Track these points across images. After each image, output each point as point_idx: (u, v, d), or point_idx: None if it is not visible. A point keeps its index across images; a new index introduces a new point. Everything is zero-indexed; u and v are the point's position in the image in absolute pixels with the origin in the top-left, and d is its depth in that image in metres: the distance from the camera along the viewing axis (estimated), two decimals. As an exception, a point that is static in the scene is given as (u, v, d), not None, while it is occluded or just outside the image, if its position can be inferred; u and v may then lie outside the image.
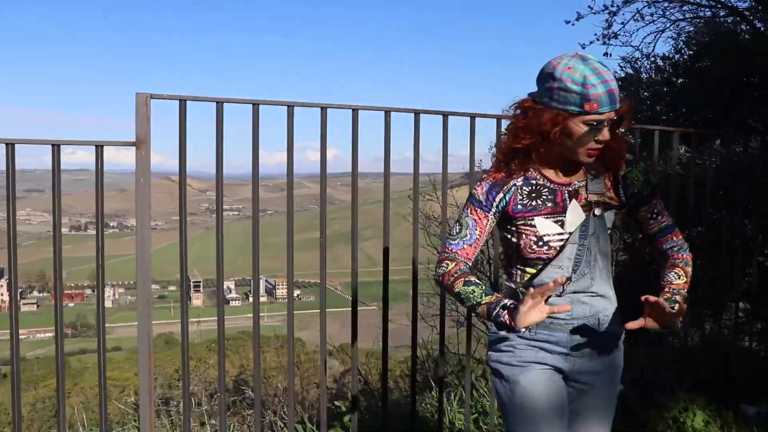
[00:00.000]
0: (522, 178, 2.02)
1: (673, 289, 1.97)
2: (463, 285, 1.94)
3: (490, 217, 2.02)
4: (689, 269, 2.05)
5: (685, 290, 1.99)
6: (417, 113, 3.37)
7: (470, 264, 2.02)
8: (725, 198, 4.99)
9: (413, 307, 3.64)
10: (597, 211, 2.00)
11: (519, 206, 2.00)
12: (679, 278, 2.01)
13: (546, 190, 2.01)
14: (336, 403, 4.44)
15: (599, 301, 2.05)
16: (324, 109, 3.17)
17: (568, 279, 1.99)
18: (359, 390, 3.95)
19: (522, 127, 1.97)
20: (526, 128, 1.96)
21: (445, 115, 3.46)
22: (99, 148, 2.81)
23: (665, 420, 3.97)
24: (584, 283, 2.01)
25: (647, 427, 3.92)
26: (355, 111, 3.22)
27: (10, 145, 2.62)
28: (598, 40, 8.93)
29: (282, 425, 4.21)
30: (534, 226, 1.98)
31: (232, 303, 76.41)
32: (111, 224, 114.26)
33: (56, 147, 2.75)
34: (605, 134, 1.88)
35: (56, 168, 2.75)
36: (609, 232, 2.04)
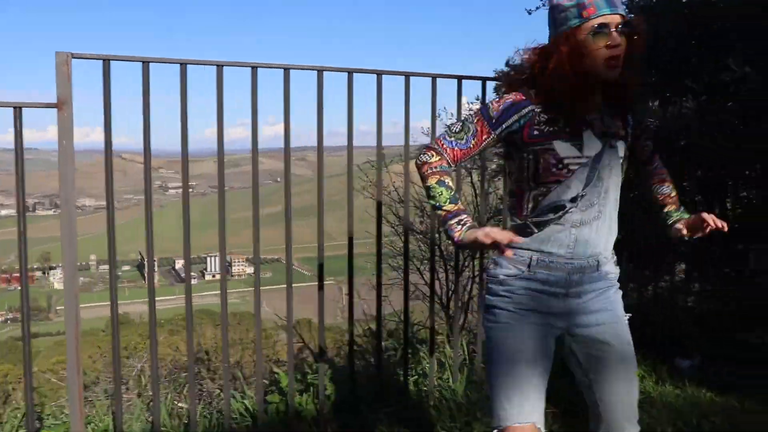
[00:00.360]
0: (539, 108, 1.96)
1: (674, 200, 2.24)
2: (437, 183, 1.92)
3: (493, 135, 1.98)
4: (671, 180, 2.27)
5: (676, 197, 2.26)
6: (351, 72, 3.31)
7: (453, 166, 1.99)
8: (665, 157, 5.02)
9: (378, 278, 3.74)
10: (612, 141, 1.98)
11: (536, 131, 1.95)
12: (671, 190, 2.24)
13: (560, 118, 1.96)
14: (275, 369, 4.40)
15: (602, 239, 2.01)
16: (254, 69, 3.08)
17: (577, 202, 1.94)
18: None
19: (541, 54, 1.97)
20: (542, 54, 1.97)
21: (379, 74, 3.41)
22: (17, 109, 2.67)
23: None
24: (591, 214, 1.97)
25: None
26: (286, 70, 3.13)
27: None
28: (544, 5, 8.95)
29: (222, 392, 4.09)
30: (553, 150, 1.93)
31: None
32: (58, 203, 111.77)
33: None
34: (614, 38, 1.83)
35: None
36: (622, 162, 2.03)
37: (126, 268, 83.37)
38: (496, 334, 2.05)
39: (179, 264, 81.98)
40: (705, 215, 2.01)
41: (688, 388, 3.92)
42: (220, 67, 3.02)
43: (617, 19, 1.84)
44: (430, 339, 4.01)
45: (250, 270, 73.81)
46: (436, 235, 7.44)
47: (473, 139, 1.97)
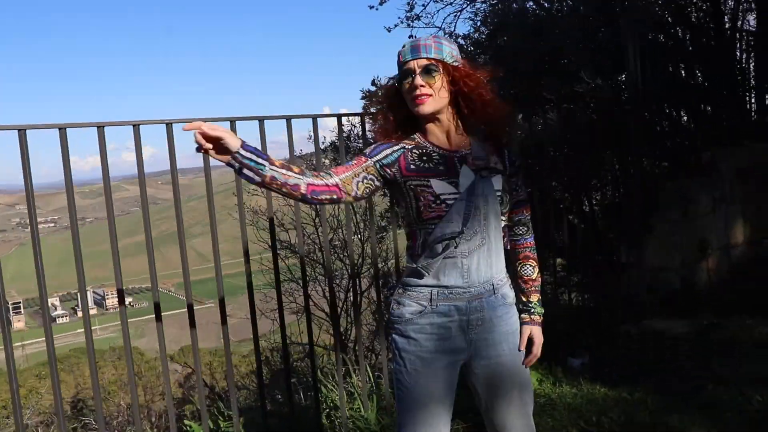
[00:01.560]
0: (412, 144, 2.13)
1: (537, 288, 2.28)
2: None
3: (369, 162, 2.10)
4: (535, 254, 2.27)
5: (539, 280, 2.28)
6: (232, 121, 3.31)
7: (336, 174, 2.06)
8: (535, 166, 5.33)
9: (250, 303, 3.60)
10: (484, 173, 2.09)
11: (412, 166, 2.08)
12: (534, 271, 2.26)
13: (436, 155, 2.10)
14: (184, 412, 4.32)
15: (492, 264, 2.11)
16: (137, 126, 3.04)
17: (460, 233, 2.04)
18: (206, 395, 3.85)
19: (384, 102, 2.21)
20: (384, 103, 2.20)
21: (261, 120, 3.43)
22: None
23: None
24: (476, 242, 2.06)
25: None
26: (168, 125, 3.11)
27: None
28: (402, 23, 9.21)
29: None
30: (431, 187, 2.05)
31: (59, 320, 71.51)
32: None
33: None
34: (417, 81, 2.04)
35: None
36: (498, 194, 2.10)
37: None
38: (406, 379, 2.13)
39: (50, 302, 77.44)
40: (536, 349, 2.23)
41: (583, 386, 4.18)
42: (100, 128, 2.95)
43: (421, 62, 2.05)
44: (337, 370, 4.07)
45: (127, 299, 70.58)
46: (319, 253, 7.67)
47: (353, 161, 2.11)
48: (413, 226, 2.12)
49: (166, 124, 3.12)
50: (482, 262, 2.09)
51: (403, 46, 2.11)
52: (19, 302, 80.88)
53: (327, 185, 2.02)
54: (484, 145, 2.15)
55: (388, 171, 2.10)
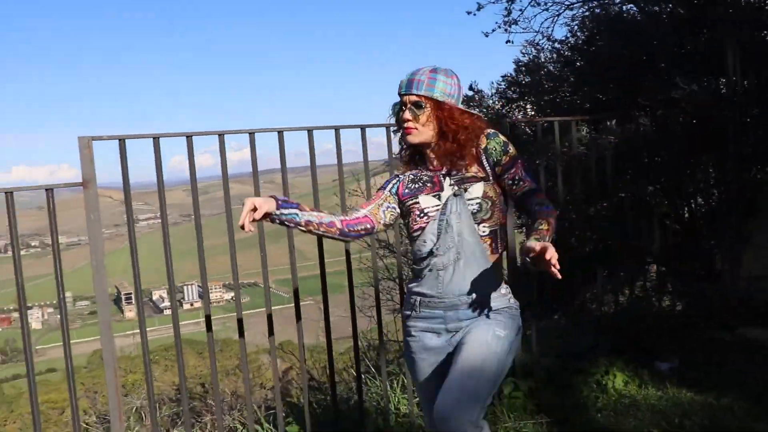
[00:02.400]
0: (411, 173, 2.46)
1: (540, 232, 2.11)
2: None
3: (385, 193, 2.48)
4: (552, 219, 2.17)
5: (549, 234, 2.11)
6: (280, 132, 3.56)
7: (361, 208, 2.44)
8: (629, 171, 5.35)
9: (351, 299, 3.88)
10: (455, 191, 2.30)
11: (406, 190, 2.42)
12: (542, 225, 2.14)
13: (425, 176, 2.39)
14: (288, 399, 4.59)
15: (474, 279, 2.27)
16: (221, 136, 3.37)
17: (432, 251, 2.28)
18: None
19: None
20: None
21: (310, 131, 3.61)
22: (50, 191, 2.92)
23: (589, 384, 4.31)
24: (450, 257, 2.26)
25: (572, 392, 4.24)
26: (251, 134, 3.46)
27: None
28: (500, 27, 9.29)
29: (240, 427, 4.22)
30: (419, 203, 2.35)
31: (166, 312, 74.95)
32: (32, 243, 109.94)
33: (9, 194, 2.85)
34: (405, 115, 2.32)
35: (12, 215, 2.87)
36: (474, 204, 2.27)
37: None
38: (408, 365, 2.56)
39: (156, 295, 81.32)
40: (550, 252, 1.95)
41: (669, 389, 4.22)
42: (221, 135, 3.29)
43: (412, 98, 2.30)
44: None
45: (227, 296, 73.47)
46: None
47: (374, 196, 2.51)
48: (409, 239, 2.43)
49: (249, 133, 3.47)
50: (457, 275, 2.28)
51: (403, 79, 2.35)
52: (131, 293, 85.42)
53: (359, 218, 2.38)
54: (457, 167, 2.35)
55: (395, 198, 2.45)
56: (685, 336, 4.91)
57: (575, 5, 8.35)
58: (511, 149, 2.33)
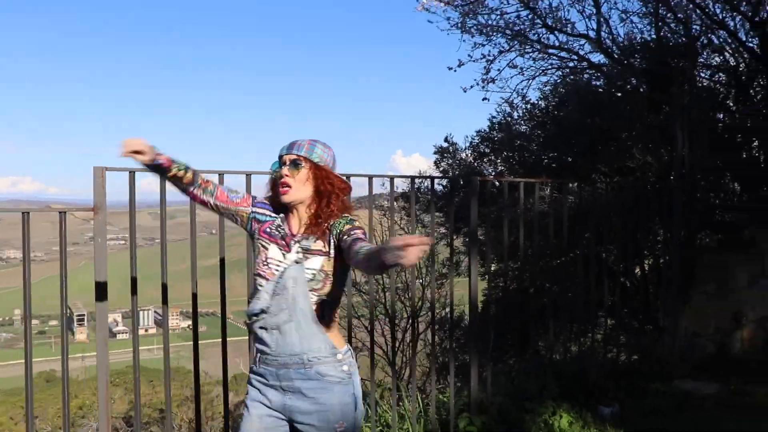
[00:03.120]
0: (280, 218, 2.53)
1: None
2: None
3: (247, 207, 2.57)
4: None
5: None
6: None
7: (211, 193, 2.52)
8: (585, 231, 5.86)
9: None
10: (296, 258, 2.42)
11: (268, 229, 2.50)
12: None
13: (284, 231, 2.48)
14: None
15: (305, 342, 2.39)
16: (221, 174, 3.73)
17: (264, 310, 2.39)
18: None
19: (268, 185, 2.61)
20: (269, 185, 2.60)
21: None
22: (62, 214, 3.26)
23: (537, 423, 4.72)
24: (282, 318, 2.37)
25: (522, 429, 4.65)
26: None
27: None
28: (477, 84, 9.91)
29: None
30: (267, 248, 2.46)
31: (120, 336, 73.64)
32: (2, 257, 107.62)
33: (26, 214, 3.17)
34: (283, 171, 2.45)
35: (26, 235, 3.16)
36: (310, 274, 2.39)
37: (53, 323, 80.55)
38: (244, 408, 2.57)
39: (111, 318, 79.95)
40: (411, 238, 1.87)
41: (609, 431, 4.67)
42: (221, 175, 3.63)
43: (291, 157, 2.45)
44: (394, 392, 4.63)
45: (184, 324, 72.36)
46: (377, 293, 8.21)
47: (239, 198, 2.57)
48: (253, 275, 2.54)
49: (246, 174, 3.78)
50: (290, 336, 2.38)
51: (284, 145, 2.51)
52: (83, 314, 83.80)
53: (204, 201, 2.53)
54: (314, 231, 2.45)
55: (254, 224, 2.54)
56: (626, 384, 5.37)
57: (549, 70, 9.00)
58: (356, 222, 2.47)
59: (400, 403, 4.89)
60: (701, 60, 7.47)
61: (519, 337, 5.83)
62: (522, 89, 9.48)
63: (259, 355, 2.47)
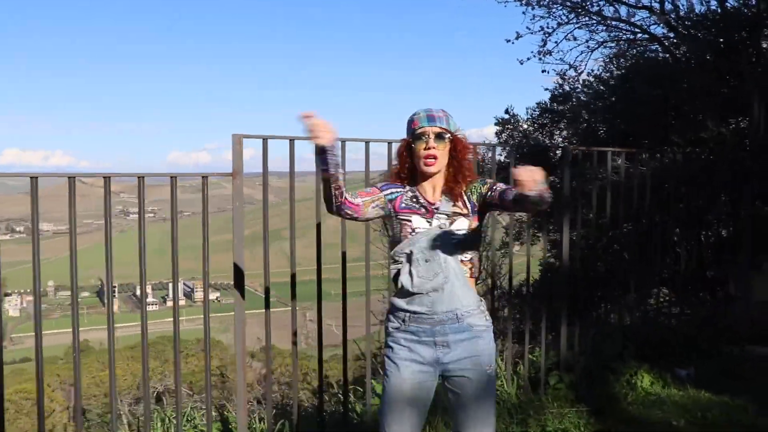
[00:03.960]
0: (408, 189, 2.66)
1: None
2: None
3: (379, 193, 2.63)
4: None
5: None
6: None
7: (360, 197, 2.57)
8: (657, 201, 5.97)
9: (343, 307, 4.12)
10: (440, 224, 2.57)
11: (404, 204, 2.62)
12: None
13: (424, 201, 2.62)
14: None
15: (457, 298, 2.56)
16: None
17: (422, 277, 2.54)
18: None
19: (397, 154, 2.72)
20: (398, 154, 2.71)
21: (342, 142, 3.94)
22: (204, 178, 3.49)
23: (620, 382, 4.93)
24: (439, 281, 2.54)
25: (606, 388, 4.86)
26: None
27: (72, 179, 3.15)
28: (534, 56, 10.00)
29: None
30: (411, 220, 2.59)
31: (150, 307, 74.34)
32: (17, 229, 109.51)
33: (174, 179, 3.43)
34: (430, 143, 2.54)
35: (142, 200, 3.39)
36: (458, 237, 2.56)
37: (85, 294, 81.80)
38: (384, 380, 2.69)
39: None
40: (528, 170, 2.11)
41: (689, 390, 4.88)
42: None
43: (435, 129, 2.55)
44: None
45: (213, 296, 73.26)
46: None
47: (369, 189, 2.66)
48: (394, 254, 2.64)
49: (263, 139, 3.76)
50: (446, 296, 2.55)
51: (417, 114, 2.59)
52: (115, 286, 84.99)
53: (354, 205, 2.53)
54: (450, 197, 2.61)
55: (389, 205, 2.63)
56: (700, 348, 5.54)
57: (608, 43, 9.07)
58: (489, 180, 2.65)
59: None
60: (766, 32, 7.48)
61: (591, 302, 5.98)
62: (581, 62, 9.57)
63: (408, 315, 2.60)
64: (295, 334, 3.96)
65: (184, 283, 79.59)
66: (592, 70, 9.34)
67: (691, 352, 5.49)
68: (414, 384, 2.60)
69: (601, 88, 8.01)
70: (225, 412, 4.57)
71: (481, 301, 2.67)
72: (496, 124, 9.36)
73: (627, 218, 5.65)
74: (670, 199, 5.85)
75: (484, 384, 2.62)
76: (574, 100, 8.70)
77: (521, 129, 8.79)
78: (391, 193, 2.65)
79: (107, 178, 3.24)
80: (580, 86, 8.77)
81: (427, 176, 2.62)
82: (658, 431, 4.27)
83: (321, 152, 2.30)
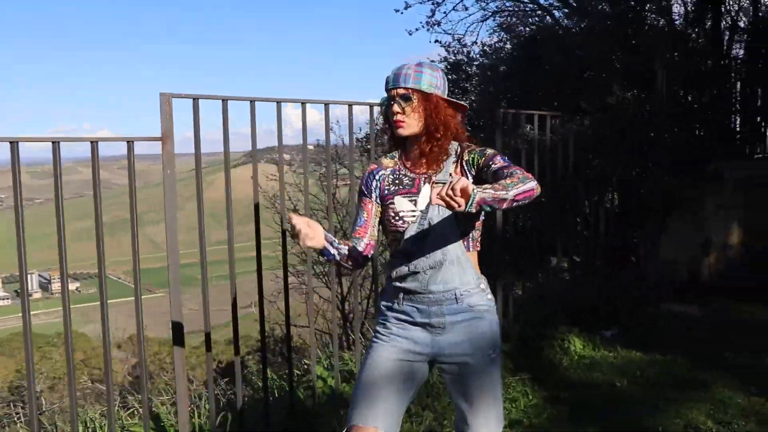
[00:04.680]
0: (390, 169, 2.43)
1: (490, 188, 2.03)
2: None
3: (373, 202, 2.43)
4: (509, 179, 2.09)
5: (489, 190, 2.00)
6: (252, 101, 3.86)
7: (363, 238, 2.42)
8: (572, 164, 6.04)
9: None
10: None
11: (386, 191, 2.40)
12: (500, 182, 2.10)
13: (407, 178, 2.38)
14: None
15: (457, 277, 2.32)
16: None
17: (418, 255, 2.31)
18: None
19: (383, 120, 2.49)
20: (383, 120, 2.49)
21: (278, 102, 3.70)
22: (130, 143, 3.08)
23: (554, 348, 4.97)
24: (437, 258, 2.29)
25: (542, 354, 4.88)
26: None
27: (15, 143, 2.83)
28: (423, 27, 9.94)
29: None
30: (394, 204, 2.35)
31: (0, 302, 69.81)
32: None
33: (95, 144, 3.01)
34: (394, 107, 2.32)
35: (96, 165, 3.01)
36: (456, 211, 2.17)
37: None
38: (367, 352, 2.44)
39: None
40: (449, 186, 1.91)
41: (619, 351, 4.99)
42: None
43: (400, 91, 2.31)
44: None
45: (72, 287, 69.37)
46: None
47: (364, 213, 2.44)
48: (386, 237, 2.49)
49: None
50: (444, 274, 2.31)
51: (389, 75, 2.39)
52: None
53: (367, 246, 2.42)
54: (447, 168, 2.36)
55: (379, 201, 2.43)
56: (619, 311, 5.70)
57: (503, 13, 9.13)
58: (489, 151, 2.37)
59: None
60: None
61: (517, 269, 5.96)
62: (472, 32, 9.60)
63: (402, 294, 2.36)
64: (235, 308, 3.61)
65: (39, 275, 74.98)
66: (484, 42, 9.39)
67: (612, 315, 5.64)
68: (399, 364, 2.34)
69: (501, 55, 8.06)
70: (154, 408, 4.15)
71: (481, 278, 2.40)
72: (337, 102, 9.21)
73: (553, 184, 5.64)
74: (580, 166, 5.94)
75: (487, 369, 2.36)
76: (469, 69, 8.71)
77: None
78: (374, 189, 2.43)
79: None
80: (476, 55, 8.81)
81: (408, 141, 2.40)
82: (604, 393, 4.30)
83: (320, 252, 2.31)
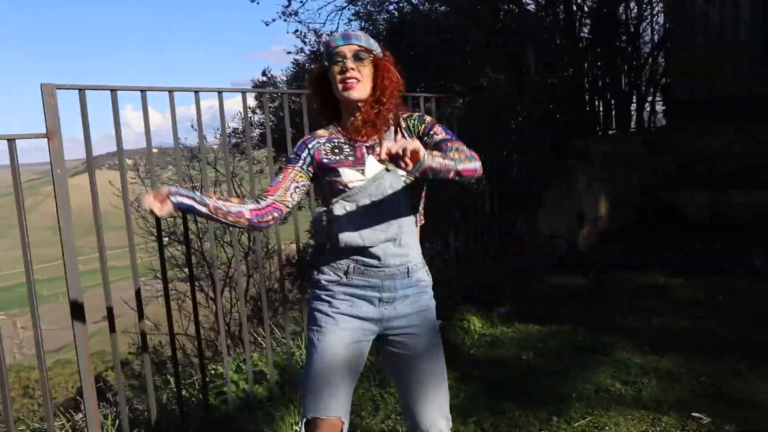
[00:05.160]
0: (326, 138, 2.27)
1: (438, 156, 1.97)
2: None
3: (296, 168, 2.25)
4: (456, 153, 2.05)
5: (441, 156, 1.95)
6: (143, 90, 3.63)
7: (269, 196, 2.21)
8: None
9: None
10: (390, 166, 2.15)
11: (325, 160, 2.22)
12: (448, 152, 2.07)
13: (347, 146, 2.23)
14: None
15: (410, 251, 2.22)
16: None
17: (371, 227, 2.17)
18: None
19: (310, 84, 2.34)
20: (311, 85, 2.34)
21: (171, 92, 3.40)
22: (11, 142, 2.68)
23: (455, 329, 4.96)
24: (392, 231, 2.18)
25: (445, 336, 4.82)
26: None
27: None
28: (280, 17, 9.74)
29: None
30: (340, 176, 2.18)
31: None
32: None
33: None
34: (347, 64, 2.15)
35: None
36: (405, 179, 2.18)
37: None
38: (315, 336, 2.23)
39: None
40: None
41: (516, 326, 5.06)
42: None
43: (351, 48, 2.16)
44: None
45: None
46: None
47: (281, 176, 2.26)
48: (327, 202, 2.28)
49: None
50: (399, 248, 2.20)
51: (332, 36, 2.33)
52: None
53: (267, 207, 2.19)
54: (392, 134, 2.27)
55: (310, 169, 2.26)
56: (507, 287, 5.80)
57: (359, 2, 9.08)
58: (428, 118, 2.30)
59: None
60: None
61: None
62: (331, 21, 9.49)
63: (352, 265, 2.20)
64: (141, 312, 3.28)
65: None
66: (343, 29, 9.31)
67: (501, 291, 5.72)
68: (353, 342, 2.21)
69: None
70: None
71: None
72: (255, 87, 8.97)
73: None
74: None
75: (434, 339, 2.31)
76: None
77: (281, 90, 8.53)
78: (305, 158, 2.26)
79: None
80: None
81: (351, 107, 2.22)
82: (513, 367, 4.33)
83: (182, 211, 2.08)
